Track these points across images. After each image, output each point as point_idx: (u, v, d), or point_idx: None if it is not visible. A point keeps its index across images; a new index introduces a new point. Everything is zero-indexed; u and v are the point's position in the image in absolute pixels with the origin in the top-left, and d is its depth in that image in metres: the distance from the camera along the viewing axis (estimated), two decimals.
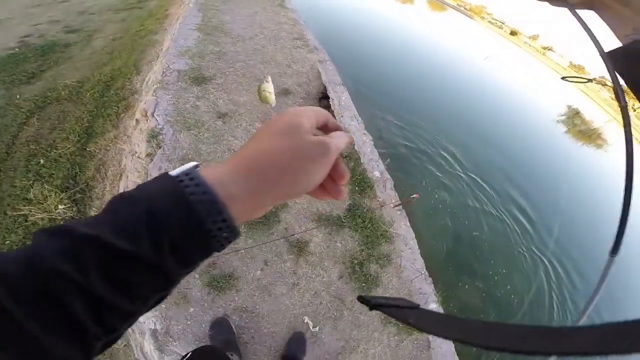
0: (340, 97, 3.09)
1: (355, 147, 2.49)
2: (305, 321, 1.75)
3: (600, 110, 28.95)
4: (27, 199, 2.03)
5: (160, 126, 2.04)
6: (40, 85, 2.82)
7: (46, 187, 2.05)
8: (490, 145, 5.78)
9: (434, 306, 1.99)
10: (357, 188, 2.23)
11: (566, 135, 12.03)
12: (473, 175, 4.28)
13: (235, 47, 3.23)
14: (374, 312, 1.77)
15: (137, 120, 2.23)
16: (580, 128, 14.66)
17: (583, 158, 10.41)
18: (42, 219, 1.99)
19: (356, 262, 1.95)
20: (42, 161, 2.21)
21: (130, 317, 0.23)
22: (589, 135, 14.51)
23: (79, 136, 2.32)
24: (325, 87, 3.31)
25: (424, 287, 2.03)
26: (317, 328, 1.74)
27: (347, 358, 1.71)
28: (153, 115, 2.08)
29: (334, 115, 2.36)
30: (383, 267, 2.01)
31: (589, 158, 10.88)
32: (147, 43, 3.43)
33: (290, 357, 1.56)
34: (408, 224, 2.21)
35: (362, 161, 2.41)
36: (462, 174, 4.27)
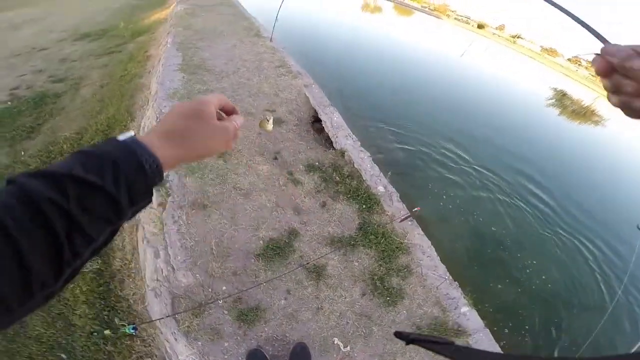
0: (332, 118, 3.25)
1: (355, 165, 2.64)
2: (335, 342, 1.81)
3: (585, 88, 29.91)
4: None
5: (165, 174, 2.13)
6: (41, 140, 2.89)
7: None
8: (488, 136, 5.95)
9: (465, 309, 2.01)
10: (364, 206, 2.36)
11: (561, 117, 12.39)
12: (479, 168, 4.38)
13: (221, 83, 3.36)
14: (405, 324, 1.91)
15: None
16: (572, 108, 15.08)
17: (584, 136, 10.68)
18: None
19: (376, 277, 2.03)
20: None
21: (90, 244, 0.29)
22: (583, 114, 14.93)
23: None
24: (315, 110, 3.46)
25: (451, 292, 2.08)
26: (349, 347, 1.79)
27: None
28: None
29: (329, 137, 2.50)
30: (404, 278, 2.09)
31: (590, 136, 11.14)
32: (135, 87, 3.54)
33: None
34: (421, 232, 2.32)
35: (364, 178, 2.55)
36: (467, 168, 4.35)
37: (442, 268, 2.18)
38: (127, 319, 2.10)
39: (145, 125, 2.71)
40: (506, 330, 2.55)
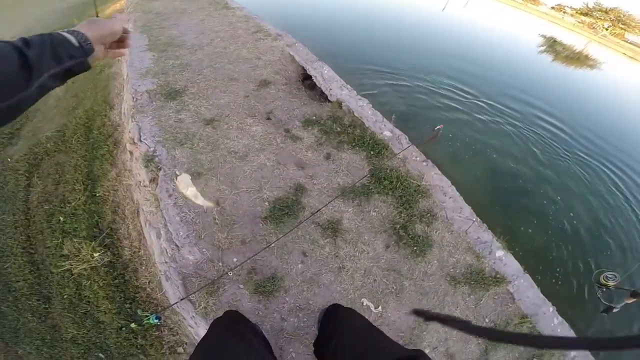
0: (322, 72, 3.06)
1: (355, 114, 2.47)
2: (365, 304, 1.68)
3: (574, 34, 28.75)
4: (63, 256, 2.11)
5: (152, 149, 2.02)
6: (24, 144, 2.82)
7: (75, 240, 2.11)
8: (489, 75, 5.66)
9: (500, 253, 1.88)
10: (372, 152, 2.22)
11: (555, 63, 11.97)
12: (487, 101, 4.15)
13: (196, 55, 3.17)
14: (439, 276, 1.79)
15: (130, 152, 2.22)
16: (565, 54, 14.77)
17: (583, 80, 10.30)
18: (85, 269, 2.07)
19: (399, 226, 1.90)
20: (61, 219, 2.25)
21: (40, 77, 0.50)
22: (577, 58, 14.66)
23: (83, 184, 2.34)
24: (303, 67, 3.27)
25: (482, 236, 1.93)
26: (380, 308, 1.67)
27: (424, 331, 1.64)
28: (141, 141, 2.06)
29: (323, 91, 2.32)
30: (429, 224, 1.95)
31: (588, 80, 10.79)
32: (107, 77, 3.39)
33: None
34: (439, 171, 2.17)
35: (366, 125, 2.39)
36: (476, 102, 4.12)
37: (467, 209, 2.03)
38: (149, 309, 2.07)
39: (125, 109, 2.57)
40: (538, 277, 2.41)
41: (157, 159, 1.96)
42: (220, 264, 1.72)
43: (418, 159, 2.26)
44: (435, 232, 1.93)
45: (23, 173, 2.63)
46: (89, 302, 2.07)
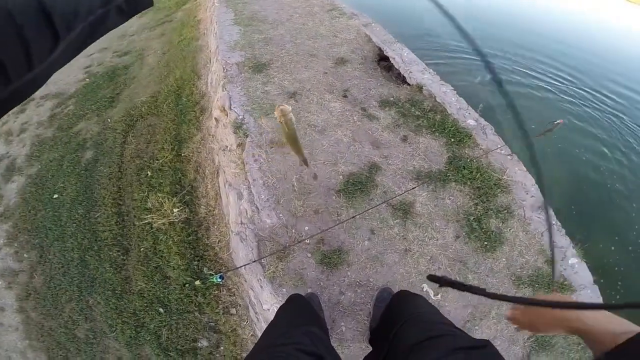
0: (402, 54, 3.08)
1: (437, 99, 2.49)
2: (425, 289, 1.76)
3: None
4: (147, 209, 2.48)
5: (241, 117, 2.29)
6: (122, 107, 3.36)
7: (159, 195, 2.47)
8: (591, 61, 5.01)
9: (574, 261, 1.84)
10: (452, 139, 2.24)
11: None
12: (586, 88, 3.75)
13: (278, 30, 3.42)
14: (504, 274, 1.82)
15: (216, 119, 2.54)
16: None
17: None
18: (164, 224, 2.42)
19: (472, 218, 1.93)
20: (149, 173, 2.67)
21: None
22: None
23: (171, 144, 2.74)
24: (380, 48, 3.32)
25: (559, 240, 1.89)
26: (439, 296, 1.73)
27: (476, 325, 1.69)
28: (231, 109, 2.35)
29: (400, 73, 2.37)
30: (505, 221, 1.94)
31: None
32: (194, 50, 3.82)
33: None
34: (523, 168, 2.12)
35: (449, 112, 2.40)
36: (571, 89, 3.77)
37: (548, 211, 1.96)
38: (214, 268, 2.37)
39: (212, 80, 2.92)
40: (612, 301, 2.23)
41: (245, 126, 2.23)
42: (293, 231, 1.92)
43: (503, 151, 2.22)
44: (510, 230, 1.91)
45: (120, 132, 3.16)
46: (162, 256, 2.40)
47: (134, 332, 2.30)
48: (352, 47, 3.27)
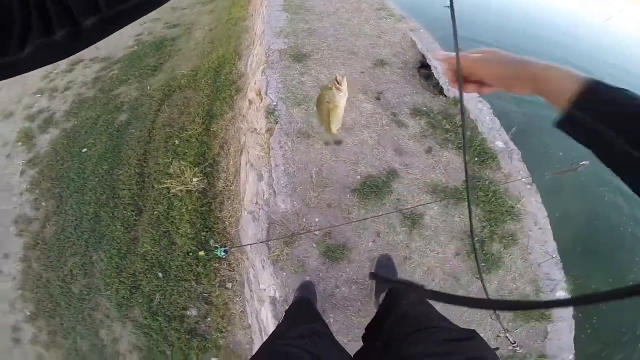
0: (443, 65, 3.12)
1: (471, 115, 2.53)
2: None
3: None
4: (168, 174, 2.69)
5: (274, 103, 2.45)
6: (163, 77, 3.62)
7: (182, 163, 2.68)
8: None
9: (562, 294, 1.94)
10: (476, 158, 2.29)
11: None
12: None
13: (322, 22, 3.54)
14: (491, 295, 1.85)
15: (249, 101, 2.71)
16: None
17: None
18: (181, 190, 2.62)
19: (476, 239, 2.01)
20: (176, 142, 2.90)
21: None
22: None
23: (202, 118, 2.95)
24: (423, 55, 3.37)
25: (553, 273, 1.98)
26: None
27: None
28: (267, 94, 2.51)
29: (438, 83, 2.44)
30: (507, 247, 2.02)
31: None
32: (240, 30, 4.03)
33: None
34: (540, 200, 2.17)
35: (479, 130, 2.44)
36: None
37: (552, 245, 2.06)
38: (220, 241, 2.55)
39: (252, 62, 3.10)
40: (582, 335, 2.30)
41: (276, 112, 2.38)
42: (304, 220, 2.07)
43: (524, 179, 2.25)
44: (509, 256, 1.99)
45: (156, 100, 3.41)
46: (172, 222, 2.56)
47: (128, 292, 2.45)
48: (394, 50, 3.34)
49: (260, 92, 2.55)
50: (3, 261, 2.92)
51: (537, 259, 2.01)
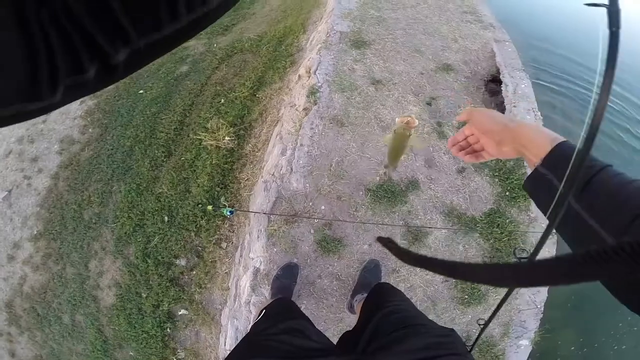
0: (518, 85, 2.88)
1: None
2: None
3: None
4: (205, 128, 2.91)
5: (319, 84, 2.50)
6: (231, 37, 3.86)
7: (221, 121, 2.88)
8: None
9: (524, 343, 1.97)
10: (507, 193, 2.14)
11: None
12: None
13: (396, 13, 3.44)
14: (461, 327, 1.93)
15: (299, 76, 2.80)
16: None
17: None
18: (212, 144, 2.82)
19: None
20: (222, 100, 3.12)
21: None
22: None
23: (252, 83, 3.12)
24: (497, 69, 3.14)
25: (529, 322, 1.99)
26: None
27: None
28: (315, 73, 2.57)
29: (504, 103, 2.29)
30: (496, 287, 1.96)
31: None
32: (314, 4, 4.08)
33: (364, 284, 1.77)
34: (554, 251, 2.00)
35: (524, 164, 2.26)
36: None
37: (542, 296, 2.05)
38: (230, 200, 2.64)
39: (314, 38, 3.17)
40: None
41: (318, 94, 2.44)
42: (311, 204, 2.14)
43: (544, 225, 2.06)
44: (495, 296, 1.97)
45: (218, 58, 3.64)
46: (194, 171, 2.71)
47: (131, 229, 2.62)
48: (467, 58, 3.16)
49: (309, 69, 2.62)
50: (36, 175, 3.25)
51: (521, 305, 2.01)
